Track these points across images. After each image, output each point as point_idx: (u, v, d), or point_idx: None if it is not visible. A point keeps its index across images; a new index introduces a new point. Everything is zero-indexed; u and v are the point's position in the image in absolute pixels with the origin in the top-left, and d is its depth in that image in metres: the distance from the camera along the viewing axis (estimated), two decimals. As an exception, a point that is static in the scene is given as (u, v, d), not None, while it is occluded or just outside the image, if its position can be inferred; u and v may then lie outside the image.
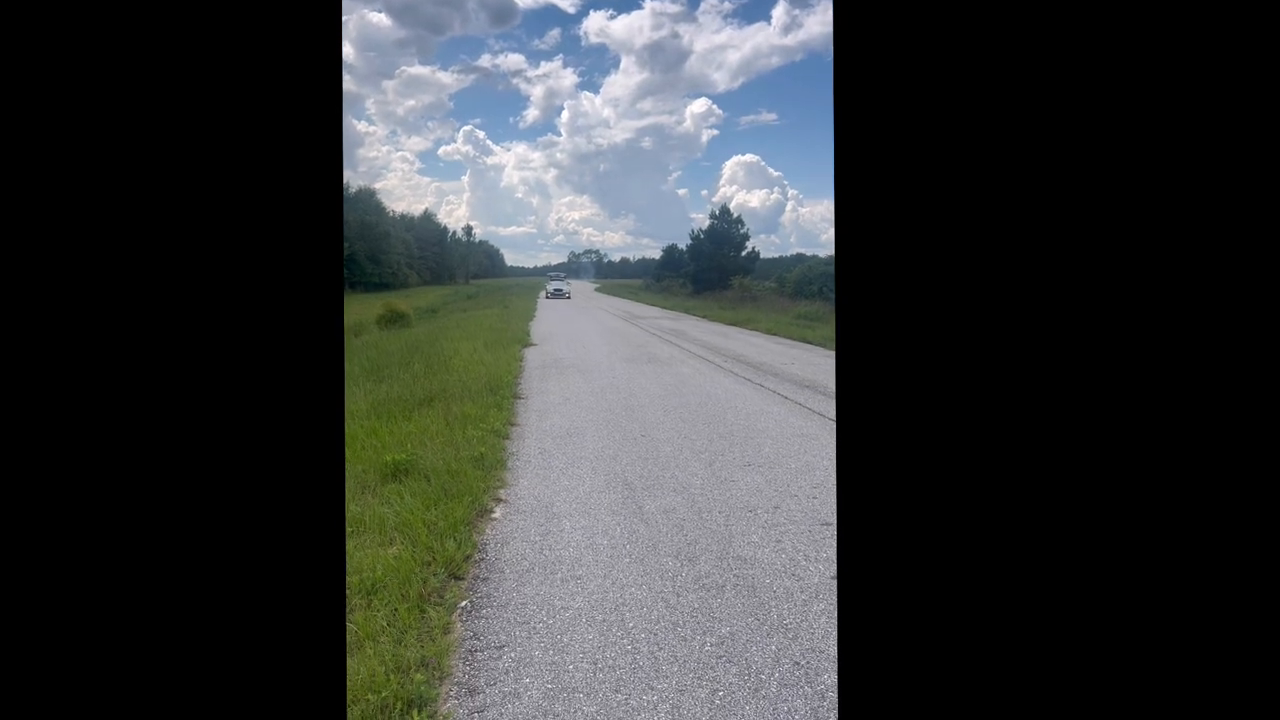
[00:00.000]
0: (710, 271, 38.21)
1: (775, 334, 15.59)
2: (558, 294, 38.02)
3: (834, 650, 2.52)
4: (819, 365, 10.21)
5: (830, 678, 2.34)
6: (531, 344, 13.37)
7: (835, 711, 2.17)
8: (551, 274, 44.36)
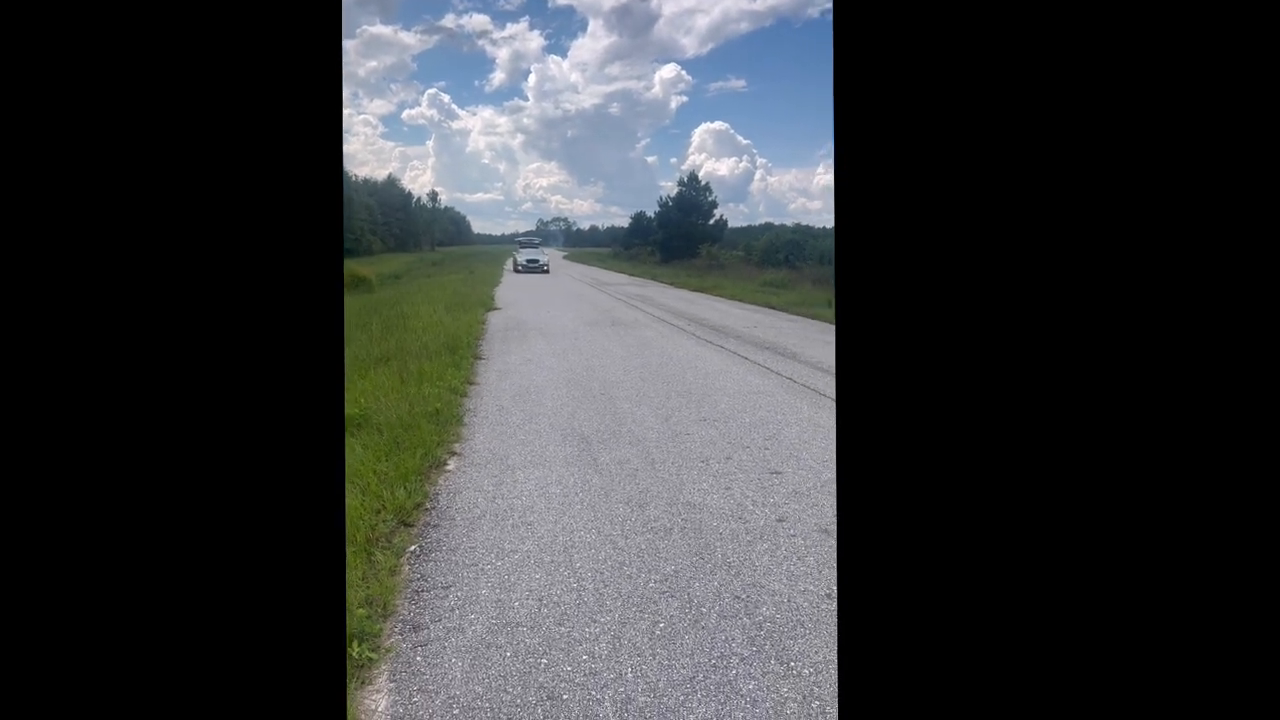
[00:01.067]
0: (678, 239, 38.12)
1: (740, 300, 15.66)
2: (532, 266, 28.56)
3: (774, 585, 2.59)
4: (781, 329, 10.30)
5: (769, 610, 2.41)
6: (495, 308, 13.26)
7: (771, 641, 2.24)
8: (522, 239, 33.75)
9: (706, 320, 11.35)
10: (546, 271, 28.70)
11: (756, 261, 28.69)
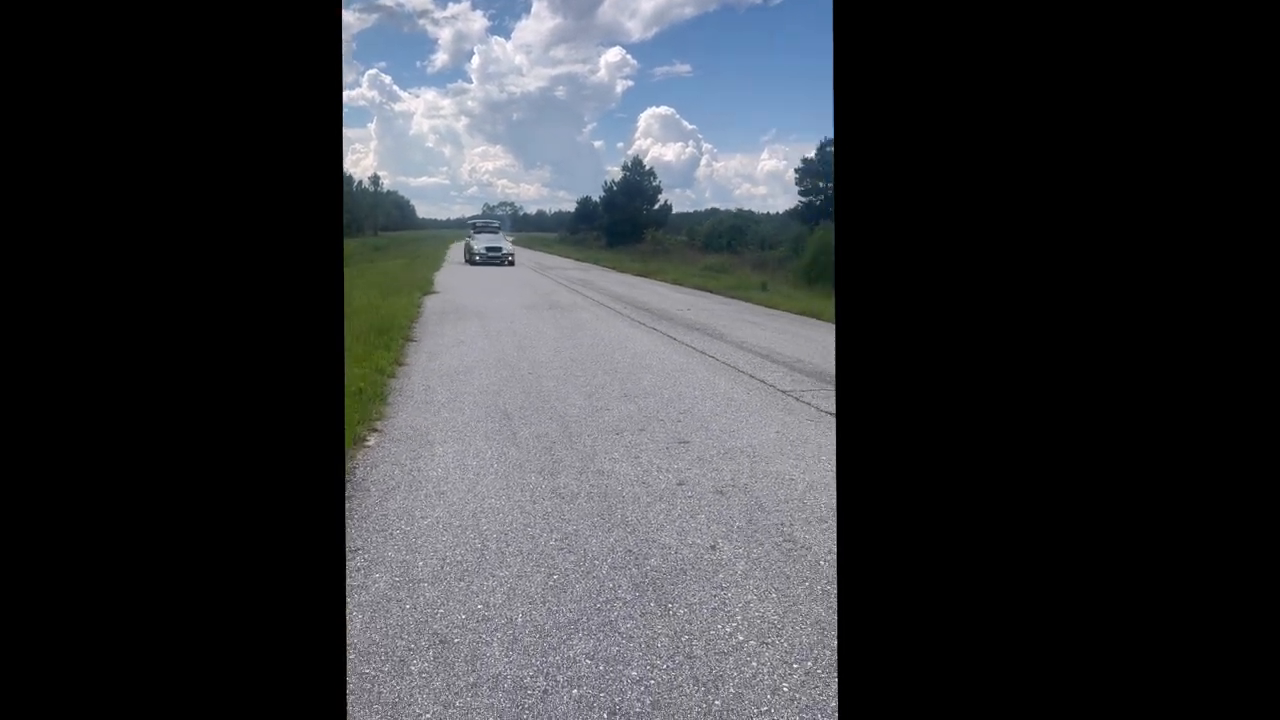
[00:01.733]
0: (623, 224, 38.20)
1: (680, 284, 15.90)
2: (493, 256, 22.16)
3: (665, 539, 2.78)
4: (714, 311, 10.56)
5: (657, 560, 2.60)
6: (434, 292, 13.21)
7: (654, 587, 2.43)
8: (478, 222, 27.75)
9: (644, 304, 11.54)
10: (511, 263, 22.25)
11: (700, 246, 29.01)
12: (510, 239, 25.91)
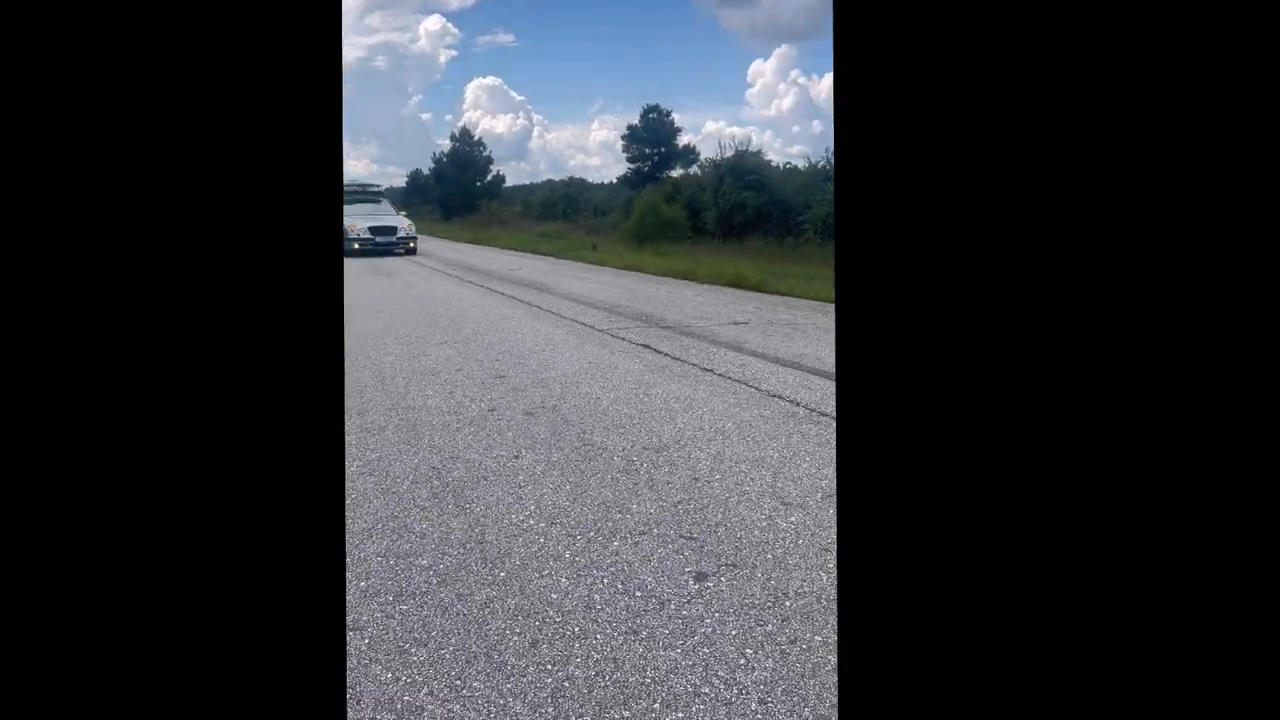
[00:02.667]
0: (456, 196, 37.05)
1: (515, 249, 15.77)
2: (384, 245, 14.51)
3: (470, 456, 2.85)
4: (543, 269, 10.60)
5: (460, 472, 2.66)
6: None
7: (453, 493, 2.49)
8: (354, 189, 16.11)
9: (474, 266, 11.36)
10: (412, 248, 14.78)
11: (536, 215, 28.80)
12: (403, 213, 16.80)
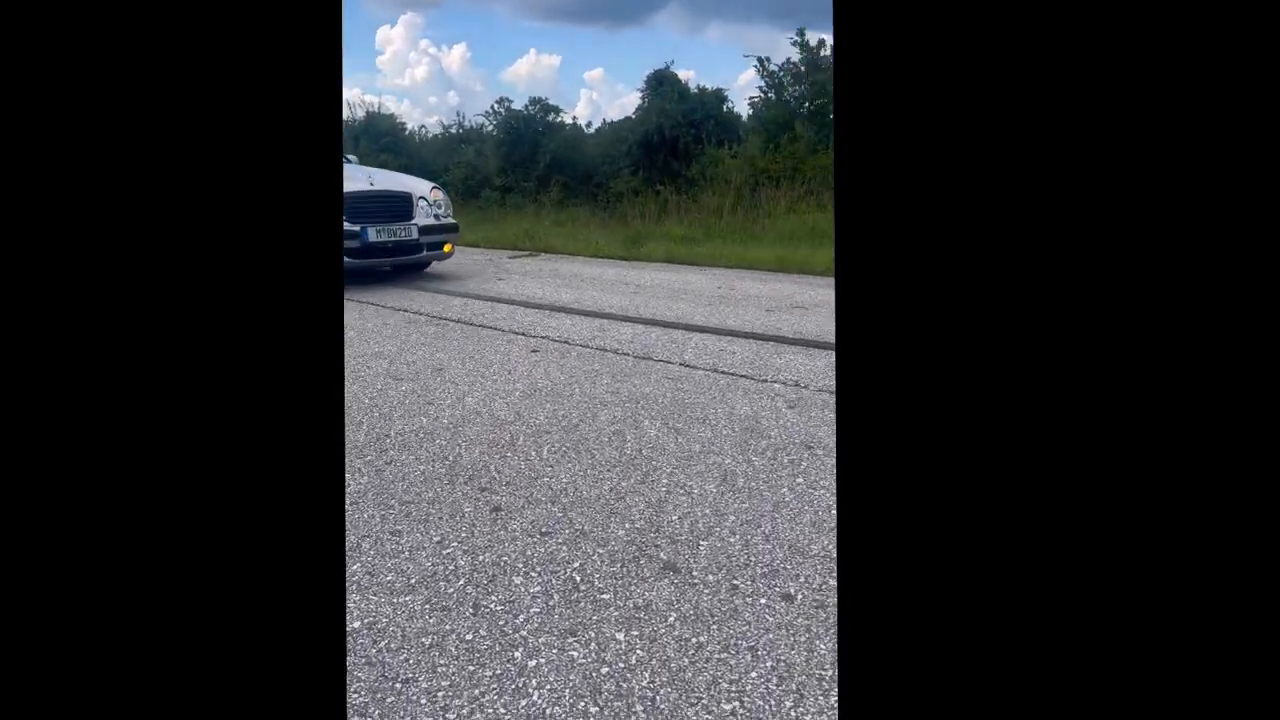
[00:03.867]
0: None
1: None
2: (370, 243, 4.94)
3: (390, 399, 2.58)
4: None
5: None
6: None
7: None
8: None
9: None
10: (445, 255, 5.97)
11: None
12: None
